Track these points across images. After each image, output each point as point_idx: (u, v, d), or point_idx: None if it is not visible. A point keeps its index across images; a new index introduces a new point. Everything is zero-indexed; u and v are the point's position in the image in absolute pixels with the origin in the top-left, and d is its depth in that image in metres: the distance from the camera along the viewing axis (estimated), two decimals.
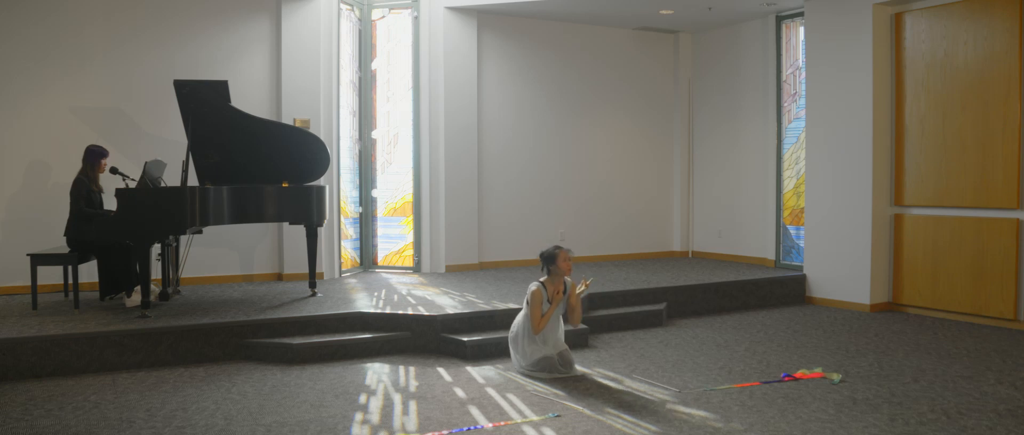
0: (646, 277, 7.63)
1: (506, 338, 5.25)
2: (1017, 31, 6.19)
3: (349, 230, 8.23)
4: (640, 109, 9.58)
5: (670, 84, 9.72)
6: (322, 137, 7.14)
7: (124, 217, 5.61)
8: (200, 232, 6.94)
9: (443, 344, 5.57)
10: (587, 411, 4.19)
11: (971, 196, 6.54)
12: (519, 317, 5.06)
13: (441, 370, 5.11)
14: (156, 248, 6.65)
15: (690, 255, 9.71)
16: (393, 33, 8.45)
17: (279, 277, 7.70)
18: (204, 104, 6.06)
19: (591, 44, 9.24)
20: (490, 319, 5.80)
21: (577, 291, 5.08)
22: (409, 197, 8.46)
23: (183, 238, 6.82)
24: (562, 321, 5.10)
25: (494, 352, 5.43)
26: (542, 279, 5.01)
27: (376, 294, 6.70)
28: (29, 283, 6.14)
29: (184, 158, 6.01)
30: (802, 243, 7.99)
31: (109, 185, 6.41)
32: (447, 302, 6.25)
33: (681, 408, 4.23)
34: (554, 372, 4.86)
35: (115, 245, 6.10)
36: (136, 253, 5.91)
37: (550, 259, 4.99)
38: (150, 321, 5.41)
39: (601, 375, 4.93)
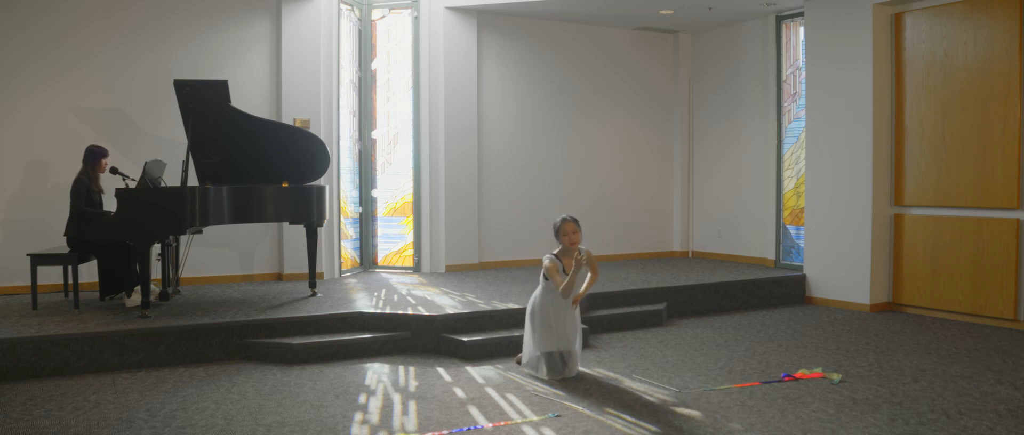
0: (646, 277, 7.63)
1: (506, 337, 5.24)
2: (1017, 31, 6.19)
3: (349, 230, 8.23)
4: (640, 109, 9.58)
5: (670, 84, 9.73)
6: (322, 137, 7.13)
7: (124, 217, 5.61)
8: (200, 232, 6.94)
9: (443, 344, 5.57)
10: (587, 411, 4.19)
11: (971, 196, 6.54)
12: (536, 292, 4.96)
13: (441, 370, 5.10)
14: (156, 248, 6.65)
15: (690, 255, 9.71)
16: (393, 33, 8.45)
17: (279, 277, 7.70)
18: (204, 104, 6.06)
19: (591, 44, 9.24)
20: (490, 319, 5.79)
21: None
22: (409, 197, 8.46)
23: (183, 238, 6.83)
24: (579, 315, 5.00)
25: (494, 352, 5.42)
26: (556, 251, 4.92)
27: (376, 294, 6.70)
28: (29, 283, 6.15)
29: (184, 158, 6.00)
30: (802, 243, 7.99)
31: (109, 185, 6.42)
32: (447, 302, 6.25)
33: (681, 408, 4.23)
34: (555, 372, 4.84)
35: (115, 245, 6.10)
36: (136, 253, 5.91)
37: (556, 231, 4.90)
38: (150, 321, 5.41)
39: (601, 375, 4.93)
